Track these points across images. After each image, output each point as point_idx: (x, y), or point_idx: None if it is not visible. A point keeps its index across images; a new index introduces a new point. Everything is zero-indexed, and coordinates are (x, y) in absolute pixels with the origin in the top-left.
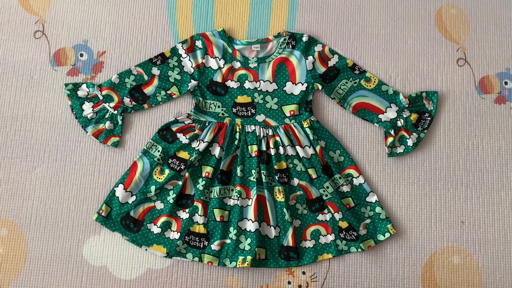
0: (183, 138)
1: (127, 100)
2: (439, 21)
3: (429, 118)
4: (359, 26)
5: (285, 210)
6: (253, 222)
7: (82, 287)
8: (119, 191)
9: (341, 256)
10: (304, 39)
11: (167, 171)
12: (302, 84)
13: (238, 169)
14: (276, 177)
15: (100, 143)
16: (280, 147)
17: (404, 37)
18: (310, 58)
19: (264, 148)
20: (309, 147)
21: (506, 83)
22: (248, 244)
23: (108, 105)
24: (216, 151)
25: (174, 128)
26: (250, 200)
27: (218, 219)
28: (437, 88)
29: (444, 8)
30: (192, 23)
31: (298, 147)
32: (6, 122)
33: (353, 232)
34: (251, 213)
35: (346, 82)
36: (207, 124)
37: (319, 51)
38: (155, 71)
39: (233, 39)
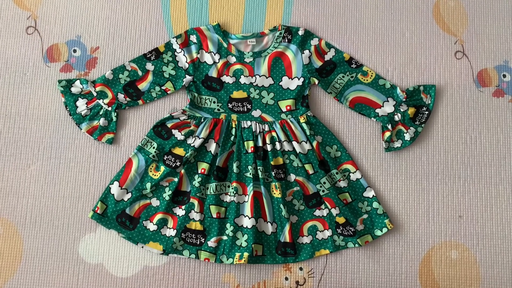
0: (179, 135)
1: (121, 96)
2: (437, 14)
3: (426, 112)
4: (355, 19)
5: (282, 206)
6: (249, 218)
7: (78, 285)
8: (115, 189)
9: (338, 251)
10: (300, 32)
11: (162, 168)
12: (299, 79)
13: (234, 165)
14: (273, 173)
15: (94, 140)
16: (277, 143)
17: (401, 30)
18: (307, 52)
19: (260, 143)
20: (306, 143)
21: (504, 76)
22: (245, 241)
23: (102, 102)
24: (212, 147)
25: (169, 125)
26: (247, 196)
27: (214, 215)
28: (434, 82)
29: (442, 0)
30: (187, 18)
31: (294, 143)
32: None
33: (350, 228)
34: (247, 209)
35: (343, 76)
36: (202, 120)
37: (315, 45)
38: (149, 66)
39: (228, 34)
